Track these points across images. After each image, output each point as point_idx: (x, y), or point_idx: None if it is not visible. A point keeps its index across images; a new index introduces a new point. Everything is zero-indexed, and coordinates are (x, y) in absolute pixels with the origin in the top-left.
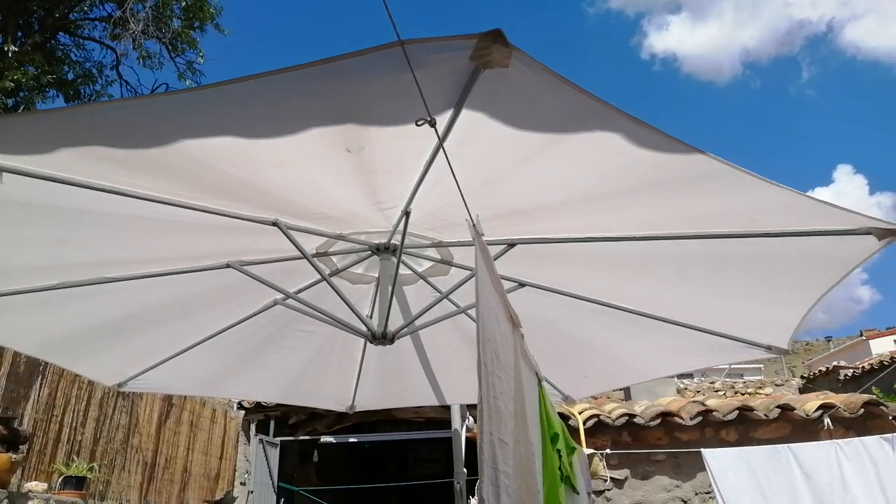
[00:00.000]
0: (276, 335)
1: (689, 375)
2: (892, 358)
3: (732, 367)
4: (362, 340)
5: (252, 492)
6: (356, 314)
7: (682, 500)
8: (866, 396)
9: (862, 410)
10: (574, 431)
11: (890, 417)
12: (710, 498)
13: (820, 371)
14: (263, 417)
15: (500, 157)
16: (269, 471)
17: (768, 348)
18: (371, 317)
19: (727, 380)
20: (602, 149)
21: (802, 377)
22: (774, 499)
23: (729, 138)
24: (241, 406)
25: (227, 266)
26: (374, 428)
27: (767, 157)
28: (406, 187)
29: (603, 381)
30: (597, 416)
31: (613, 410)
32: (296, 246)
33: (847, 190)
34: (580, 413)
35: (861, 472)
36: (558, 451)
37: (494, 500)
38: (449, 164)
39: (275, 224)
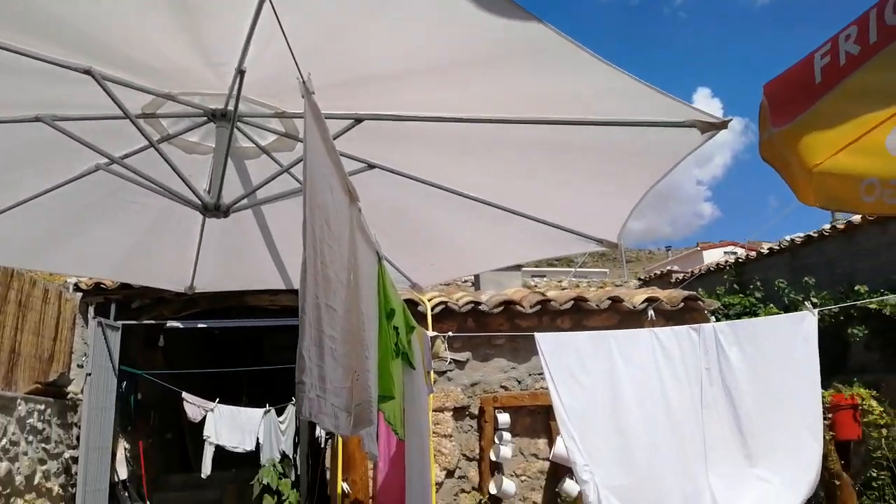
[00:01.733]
0: (102, 205)
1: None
2: (717, 265)
3: (579, 269)
4: (201, 217)
5: (90, 374)
6: (185, 182)
7: (517, 380)
8: (687, 292)
9: (682, 304)
10: (422, 317)
11: (706, 311)
12: (541, 378)
13: (655, 274)
14: (103, 300)
15: (343, 10)
16: (110, 354)
17: (600, 241)
18: (209, 192)
19: (573, 279)
20: (447, 8)
21: (639, 279)
22: (596, 379)
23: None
24: (77, 287)
25: (37, 119)
26: (225, 315)
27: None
28: (238, 39)
29: (449, 269)
30: (444, 303)
31: (461, 298)
32: (115, 101)
33: None
34: (429, 300)
35: (668, 357)
36: (395, 327)
37: (318, 359)
38: (273, 8)
39: (88, 72)
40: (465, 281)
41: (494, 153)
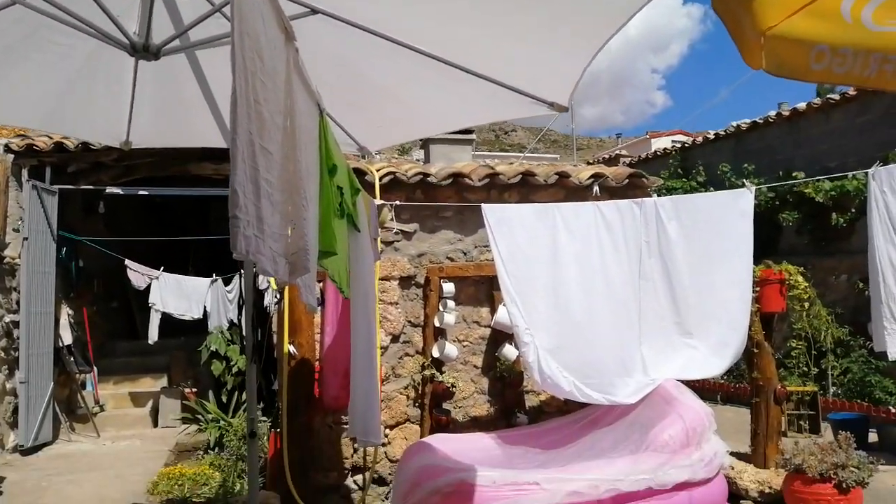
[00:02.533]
0: (22, 46)
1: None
2: (664, 150)
3: (530, 154)
4: (132, 63)
5: (27, 238)
6: (112, 19)
7: (463, 252)
8: (631, 170)
9: (627, 181)
10: (370, 187)
11: (648, 189)
12: (487, 250)
13: (603, 158)
14: (37, 163)
15: None
16: (47, 219)
17: (551, 105)
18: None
19: (524, 161)
20: None
21: (588, 163)
22: (539, 249)
23: None
24: (8, 149)
25: None
26: (168, 184)
27: None
28: None
29: (398, 132)
30: (393, 173)
31: (409, 170)
32: None
33: None
34: (377, 171)
35: (610, 230)
36: (339, 187)
37: (254, 198)
38: None
39: None
40: (418, 161)
41: (446, 2)
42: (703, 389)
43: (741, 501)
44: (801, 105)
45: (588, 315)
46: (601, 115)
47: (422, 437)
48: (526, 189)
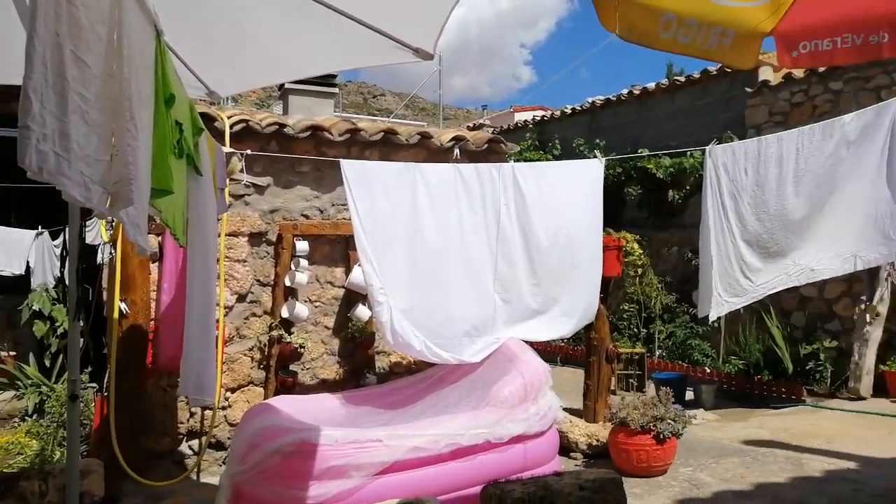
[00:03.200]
0: None
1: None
2: (525, 122)
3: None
4: None
5: None
6: None
7: (320, 209)
8: (492, 135)
9: (486, 146)
10: (220, 135)
11: (506, 155)
12: (344, 209)
13: (468, 128)
14: None
15: None
16: None
17: (417, 51)
18: None
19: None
20: None
21: None
22: (397, 208)
23: None
24: None
25: None
26: None
27: None
28: None
29: (253, 76)
30: (246, 121)
31: (264, 119)
32: None
33: None
34: (228, 118)
35: (469, 192)
36: (178, 123)
37: (58, 111)
38: None
39: None
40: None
41: None
42: (545, 352)
43: (571, 453)
44: (651, 85)
45: (443, 275)
46: (469, 87)
47: (265, 399)
48: (388, 148)
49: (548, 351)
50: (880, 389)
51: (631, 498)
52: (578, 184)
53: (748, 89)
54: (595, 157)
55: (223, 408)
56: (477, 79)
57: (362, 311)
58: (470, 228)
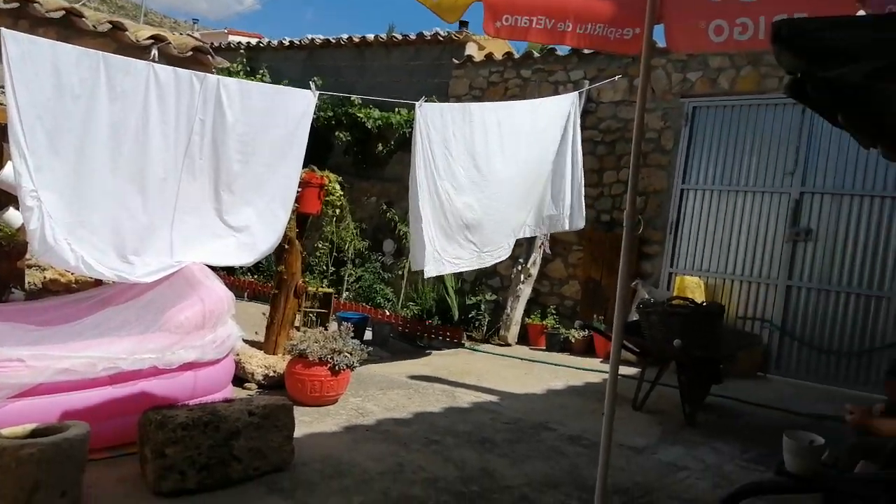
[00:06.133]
0: None
1: None
2: (238, 43)
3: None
4: None
5: None
6: None
7: None
8: (199, 42)
9: (191, 53)
10: None
11: (214, 69)
12: (0, 92)
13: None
14: None
15: None
16: None
17: None
18: None
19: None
20: None
21: None
22: (70, 103)
23: None
24: None
25: None
26: None
27: None
28: None
29: None
30: None
31: None
32: None
33: None
34: None
35: (163, 97)
36: None
37: None
38: None
39: None
40: None
41: None
42: (234, 286)
43: (246, 384)
44: (370, 36)
45: (118, 185)
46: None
47: None
48: (69, 32)
49: (237, 285)
50: (523, 338)
51: (301, 425)
52: (285, 111)
53: (455, 60)
54: (310, 86)
55: None
56: None
57: (13, 216)
58: (156, 138)
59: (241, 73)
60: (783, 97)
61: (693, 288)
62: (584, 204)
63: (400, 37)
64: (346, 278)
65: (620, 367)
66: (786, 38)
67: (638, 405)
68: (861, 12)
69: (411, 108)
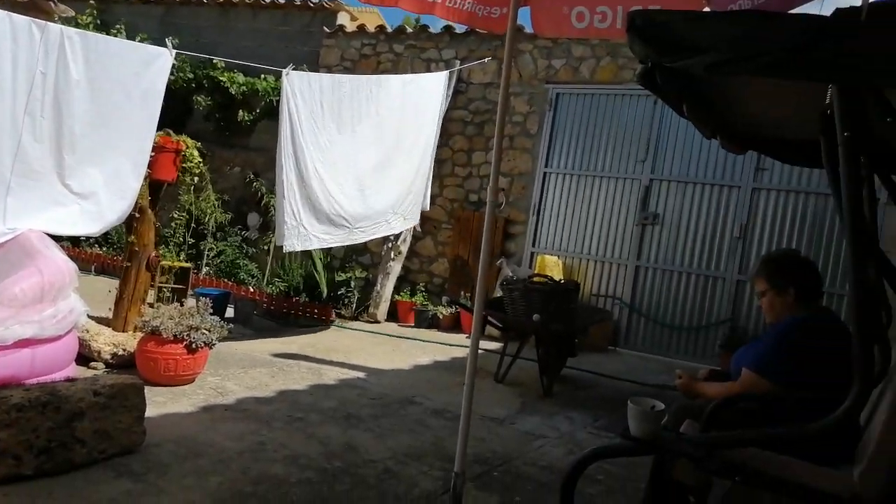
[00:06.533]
0: None
1: None
2: None
3: None
4: None
5: None
6: None
7: None
8: None
9: None
10: None
11: (55, 16)
12: None
13: None
14: None
15: None
16: None
17: None
18: None
19: None
20: None
21: None
22: None
23: None
24: None
25: None
26: None
27: None
28: None
29: None
30: None
31: None
32: None
33: None
34: None
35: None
36: None
37: None
38: None
39: None
40: None
41: None
42: (79, 259)
43: (91, 363)
44: None
45: None
46: None
47: None
48: None
49: (83, 258)
50: (393, 315)
51: (154, 405)
52: (137, 69)
53: (326, 29)
54: (166, 44)
55: None
56: None
57: None
58: None
59: (91, 27)
60: (639, 88)
61: (552, 266)
62: (428, 186)
63: (268, 0)
64: (206, 252)
65: (485, 342)
66: (639, 27)
67: (500, 378)
68: (706, 9)
69: (279, 75)
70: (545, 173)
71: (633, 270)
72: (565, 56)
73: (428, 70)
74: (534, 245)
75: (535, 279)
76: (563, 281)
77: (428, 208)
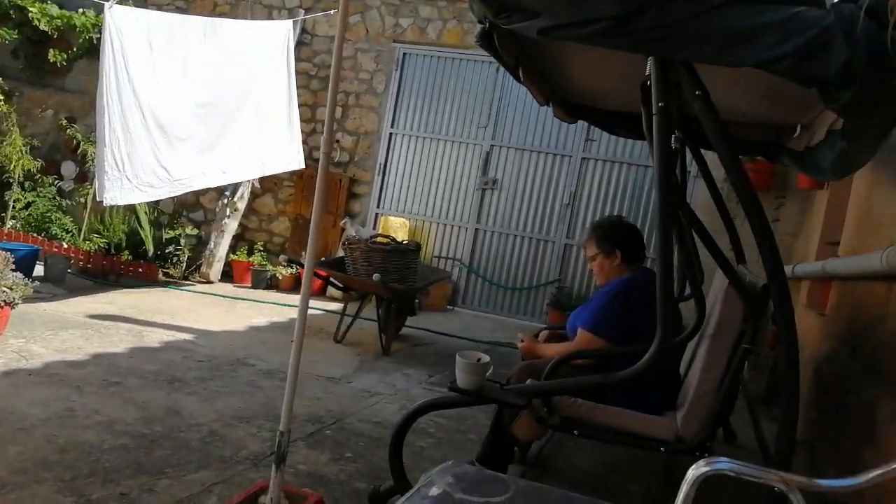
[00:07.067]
0: None
1: None
2: None
3: None
4: None
5: None
6: None
7: None
8: None
9: None
10: None
11: None
12: None
13: None
14: None
15: None
16: None
17: None
18: None
19: None
20: None
21: None
22: None
23: None
24: None
25: None
26: None
27: None
28: None
29: None
30: None
31: None
32: None
33: None
34: None
35: None
36: None
37: None
38: None
39: None
40: None
41: None
42: None
43: None
44: None
45: None
46: None
47: None
48: None
49: None
50: (228, 276)
51: None
52: None
53: None
54: None
55: None
56: None
57: None
58: None
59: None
60: (483, 54)
61: (398, 228)
62: (301, 142)
63: None
64: (11, 204)
65: (326, 303)
66: None
67: (339, 338)
68: None
69: (100, 9)
70: (391, 134)
71: (473, 233)
72: (413, 16)
73: (270, 18)
74: (378, 206)
75: (378, 239)
76: (405, 241)
77: (299, 167)
